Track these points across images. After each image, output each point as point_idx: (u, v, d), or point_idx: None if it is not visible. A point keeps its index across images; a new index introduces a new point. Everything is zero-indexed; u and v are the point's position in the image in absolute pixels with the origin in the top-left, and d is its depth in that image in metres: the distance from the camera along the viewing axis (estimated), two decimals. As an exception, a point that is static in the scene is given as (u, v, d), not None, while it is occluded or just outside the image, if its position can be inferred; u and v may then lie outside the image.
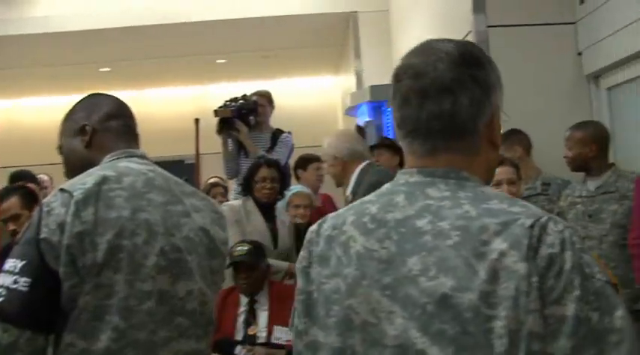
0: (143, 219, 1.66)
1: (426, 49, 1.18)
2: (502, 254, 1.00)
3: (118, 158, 1.80)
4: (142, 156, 1.85)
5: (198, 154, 5.74)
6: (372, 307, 1.08)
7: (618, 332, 0.98)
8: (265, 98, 5.41)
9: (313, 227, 1.25)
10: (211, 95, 10.44)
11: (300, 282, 1.21)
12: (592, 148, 3.63)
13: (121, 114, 1.90)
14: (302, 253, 1.23)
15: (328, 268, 1.15)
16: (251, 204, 4.03)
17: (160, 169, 1.84)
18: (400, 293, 1.05)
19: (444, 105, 1.13)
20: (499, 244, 1.01)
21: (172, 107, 11.64)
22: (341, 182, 3.62)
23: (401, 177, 1.19)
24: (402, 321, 1.04)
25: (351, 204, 1.25)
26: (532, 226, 1.02)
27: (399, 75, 1.19)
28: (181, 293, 1.70)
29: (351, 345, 1.09)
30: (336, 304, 1.12)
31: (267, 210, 4.04)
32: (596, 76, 4.51)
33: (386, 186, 1.21)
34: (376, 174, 3.43)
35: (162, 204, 1.72)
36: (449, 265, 1.02)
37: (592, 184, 3.63)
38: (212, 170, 6.50)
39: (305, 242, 1.24)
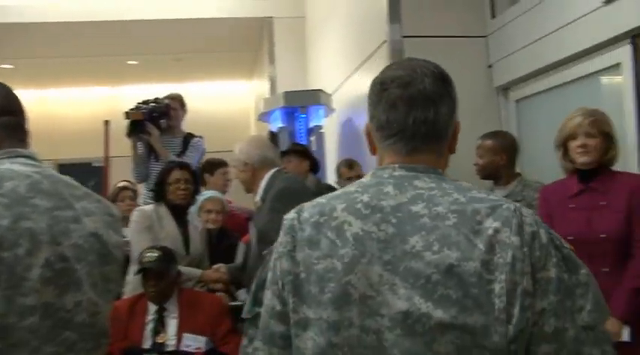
0: (26, 227, 1.53)
1: (411, 64, 1.38)
2: (496, 230, 1.22)
3: (0, 159, 1.67)
4: (29, 156, 1.71)
5: (107, 157, 5.61)
6: (371, 281, 1.24)
7: (583, 286, 1.24)
8: (177, 101, 5.34)
9: (291, 215, 1.38)
10: (122, 97, 10.23)
11: (285, 265, 1.33)
12: (502, 157, 3.73)
13: (11, 109, 1.76)
14: (283, 238, 1.36)
15: (319, 250, 1.30)
16: (163, 210, 3.95)
17: (49, 170, 1.71)
18: (400, 268, 1.22)
19: (428, 113, 1.32)
20: (491, 223, 1.23)
21: (81, 108, 11.33)
22: (250, 188, 3.59)
23: (383, 171, 1.35)
24: (405, 291, 1.21)
25: (333, 193, 1.39)
26: (515, 210, 1.25)
27: (385, 83, 1.36)
28: (69, 305, 1.58)
29: (349, 318, 1.24)
30: (331, 282, 1.26)
31: (180, 215, 3.97)
32: (505, 89, 4.64)
33: (368, 179, 1.37)
34: (284, 181, 3.42)
35: (48, 210, 1.60)
36: (452, 241, 1.22)
37: (499, 193, 3.68)
38: (121, 173, 6.33)
39: (285, 228, 1.36)
